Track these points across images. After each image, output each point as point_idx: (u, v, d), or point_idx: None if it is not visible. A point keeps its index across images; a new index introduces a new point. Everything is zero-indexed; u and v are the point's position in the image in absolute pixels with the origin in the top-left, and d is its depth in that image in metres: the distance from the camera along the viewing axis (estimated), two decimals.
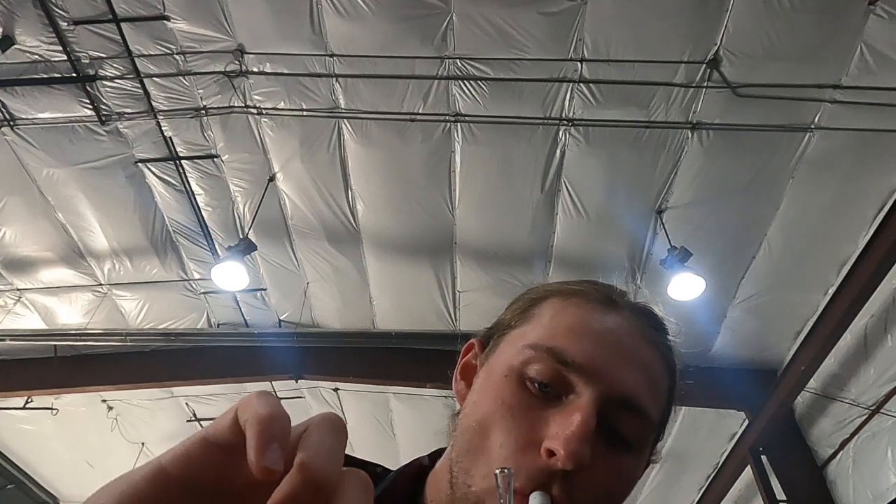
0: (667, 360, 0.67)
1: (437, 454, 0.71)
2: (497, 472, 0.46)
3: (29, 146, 5.39)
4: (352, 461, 0.70)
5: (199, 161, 5.55)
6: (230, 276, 5.24)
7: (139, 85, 5.05)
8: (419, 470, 0.70)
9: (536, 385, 0.59)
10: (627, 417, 0.59)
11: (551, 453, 0.54)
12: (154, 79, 5.04)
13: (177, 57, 4.90)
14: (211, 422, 0.37)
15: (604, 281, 0.75)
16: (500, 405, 0.59)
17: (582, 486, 0.55)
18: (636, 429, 0.60)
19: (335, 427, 0.36)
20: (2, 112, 5.17)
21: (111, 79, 5.03)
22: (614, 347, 0.62)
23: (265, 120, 5.23)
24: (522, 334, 0.65)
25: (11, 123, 5.23)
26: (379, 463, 0.72)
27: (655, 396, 0.63)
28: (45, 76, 5.00)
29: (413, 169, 5.40)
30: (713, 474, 7.44)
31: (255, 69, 4.97)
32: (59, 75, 4.98)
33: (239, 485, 0.37)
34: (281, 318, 6.81)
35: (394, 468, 0.72)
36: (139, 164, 5.57)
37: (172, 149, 5.48)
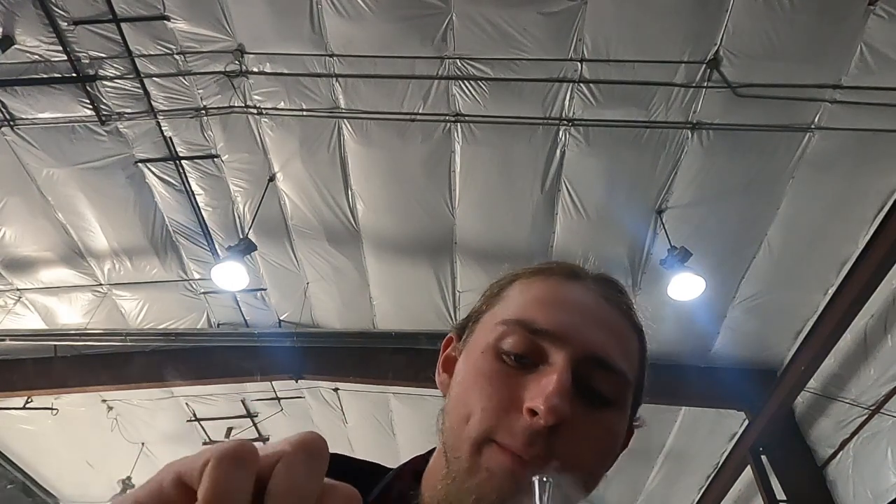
0: (632, 321, 0.70)
1: (433, 452, 0.72)
2: (535, 479, 0.47)
3: (29, 146, 5.39)
4: (351, 462, 0.70)
5: (199, 161, 5.55)
6: (230, 276, 5.24)
7: (139, 85, 5.05)
8: (416, 467, 0.71)
9: (512, 357, 0.61)
10: (602, 375, 0.61)
11: (533, 413, 0.56)
12: (154, 79, 5.04)
13: (177, 57, 4.90)
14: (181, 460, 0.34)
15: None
16: (480, 376, 0.62)
17: (567, 443, 0.57)
18: (612, 385, 0.62)
19: (309, 452, 0.34)
20: (2, 112, 5.17)
21: (111, 79, 5.03)
22: (580, 312, 0.65)
23: (265, 120, 5.23)
24: (494, 315, 0.68)
25: (11, 123, 5.23)
26: (379, 463, 0.73)
27: (626, 354, 0.65)
28: (45, 76, 5.00)
29: (413, 169, 5.40)
30: (713, 474, 7.43)
31: (255, 69, 4.97)
32: (59, 75, 4.98)
33: None
34: (281, 318, 6.81)
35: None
36: (139, 164, 5.57)
37: (172, 149, 5.48)
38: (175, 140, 5.42)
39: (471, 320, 0.72)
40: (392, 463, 0.74)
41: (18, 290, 6.55)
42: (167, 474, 0.33)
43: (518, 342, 0.62)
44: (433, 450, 0.72)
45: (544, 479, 0.47)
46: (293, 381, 6.91)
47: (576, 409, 0.57)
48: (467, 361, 0.66)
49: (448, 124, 5.10)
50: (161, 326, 6.80)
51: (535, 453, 0.55)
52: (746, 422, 6.47)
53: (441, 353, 0.75)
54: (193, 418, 8.03)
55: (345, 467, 0.70)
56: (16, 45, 4.81)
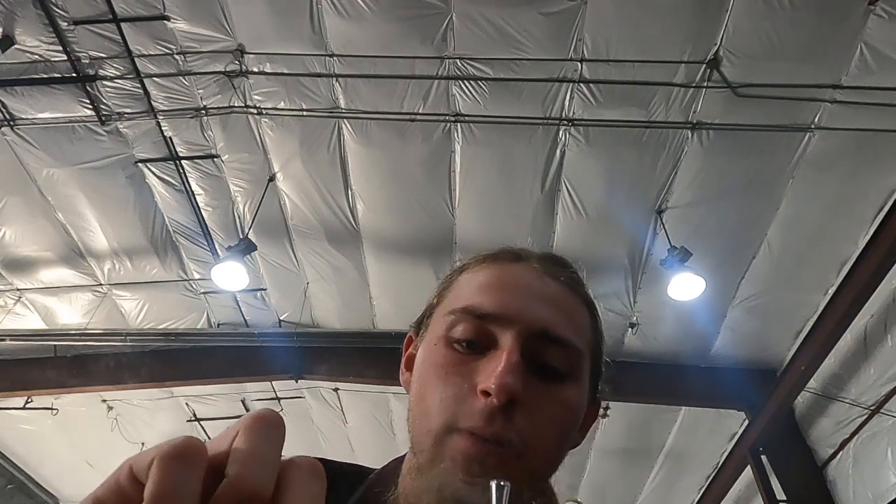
0: (579, 294, 0.71)
1: None
2: (493, 483, 0.47)
3: (29, 146, 5.38)
4: (335, 465, 0.71)
5: (199, 161, 5.55)
6: (230, 276, 5.24)
7: (139, 85, 5.05)
8: (397, 466, 0.71)
9: (463, 344, 0.63)
10: (552, 349, 0.63)
11: (487, 394, 0.57)
12: (154, 79, 5.04)
13: (177, 57, 4.90)
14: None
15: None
16: (434, 367, 0.63)
17: (524, 418, 0.58)
18: (563, 357, 0.63)
19: (266, 425, 0.34)
20: (2, 112, 5.16)
21: (111, 79, 5.03)
22: (524, 291, 0.66)
23: (265, 120, 5.23)
24: (444, 307, 0.70)
25: (11, 123, 5.23)
26: (364, 465, 0.74)
27: (575, 326, 0.66)
28: (45, 76, 4.99)
29: (413, 169, 5.40)
30: (713, 474, 7.44)
31: (255, 69, 4.97)
32: (59, 75, 4.98)
33: None
34: (281, 318, 6.81)
35: None
36: (139, 164, 5.57)
37: (172, 149, 5.48)
38: (175, 140, 5.42)
39: (425, 316, 0.74)
40: None
41: (18, 290, 6.54)
42: (123, 469, 0.33)
43: (467, 329, 0.63)
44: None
45: (501, 483, 0.48)
46: (293, 381, 6.91)
47: (530, 385, 0.59)
48: (422, 356, 0.67)
49: (448, 124, 5.10)
50: (161, 326, 6.80)
51: (494, 431, 0.56)
52: (746, 422, 6.47)
53: (403, 353, 0.77)
54: (193, 418, 8.04)
55: (328, 470, 0.71)
56: (16, 45, 4.80)
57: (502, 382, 0.56)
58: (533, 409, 0.59)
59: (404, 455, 0.72)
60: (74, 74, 4.94)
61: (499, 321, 0.62)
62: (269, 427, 0.34)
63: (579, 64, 4.67)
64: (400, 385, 0.74)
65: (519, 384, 0.57)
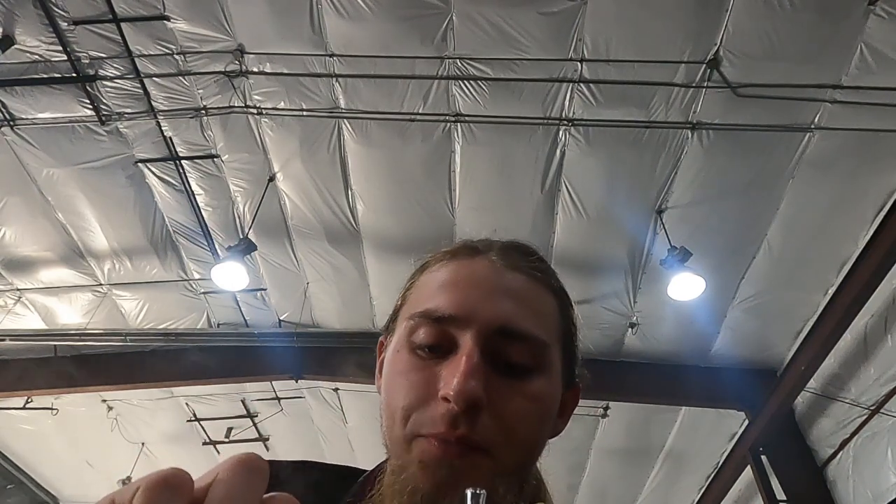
0: (541, 282, 0.69)
1: None
2: (468, 491, 0.48)
3: (29, 146, 5.39)
4: (325, 468, 0.71)
5: (199, 161, 5.55)
6: (230, 276, 5.24)
7: (139, 85, 5.05)
8: (382, 467, 0.70)
9: (426, 349, 0.62)
10: (513, 345, 0.61)
11: (447, 399, 0.57)
12: (154, 79, 5.04)
13: (177, 57, 4.90)
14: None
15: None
16: (398, 375, 0.63)
17: (491, 418, 0.57)
18: (527, 352, 0.62)
19: (247, 467, 0.35)
20: (2, 112, 5.17)
21: (111, 79, 5.03)
22: (481, 288, 0.64)
23: (265, 120, 5.23)
24: (406, 310, 0.68)
25: (11, 123, 5.23)
26: (355, 467, 0.74)
27: (537, 317, 0.64)
28: (45, 76, 4.99)
29: (413, 169, 5.40)
30: (713, 474, 7.44)
31: (255, 69, 4.97)
32: (59, 75, 4.98)
33: None
34: (281, 318, 6.81)
35: None
36: (139, 164, 5.57)
37: (172, 149, 5.48)
38: (175, 140, 5.42)
39: (392, 319, 0.73)
40: None
41: (18, 290, 6.55)
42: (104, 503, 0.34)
43: (427, 333, 0.62)
44: None
45: (477, 490, 0.48)
46: (293, 381, 6.91)
47: (493, 384, 0.58)
48: (388, 362, 0.67)
49: (448, 124, 5.10)
50: (161, 326, 6.80)
51: (460, 434, 0.56)
52: (746, 422, 6.47)
53: (377, 357, 0.76)
54: (193, 418, 8.03)
55: (317, 473, 0.71)
56: (16, 45, 4.80)
57: (461, 389, 0.55)
58: (499, 408, 0.58)
59: (383, 463, 0.71)
60: (74, 74, 4.94)
61: (457, 322, 0.61)
62: (251, 472, 0.35)
63: (579, 64, 4.67)
64: None
65: (479, 388, 0.56)
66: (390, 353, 0.67)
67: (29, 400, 7.59)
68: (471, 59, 4.75)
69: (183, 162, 5.55)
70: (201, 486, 0.34)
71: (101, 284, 6.51)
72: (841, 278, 5.33)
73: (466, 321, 0.61)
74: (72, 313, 6.77)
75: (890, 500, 5.12)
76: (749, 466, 6.42)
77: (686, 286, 5.05)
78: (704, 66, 4.56)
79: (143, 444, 8.39)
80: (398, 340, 0.66)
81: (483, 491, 0.49)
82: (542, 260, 0.72)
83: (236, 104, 5.15)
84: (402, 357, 0.63)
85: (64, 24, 4.72)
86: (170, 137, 5.40)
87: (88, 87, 5.04)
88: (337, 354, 6.64)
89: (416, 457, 0.57)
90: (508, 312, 0.62)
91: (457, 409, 0.56)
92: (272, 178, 5.57)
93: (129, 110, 5.22)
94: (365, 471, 0.74)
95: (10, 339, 6.53)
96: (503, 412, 0.58)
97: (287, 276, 6.38)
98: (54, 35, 4.74)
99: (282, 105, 5.13)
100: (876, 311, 5.23)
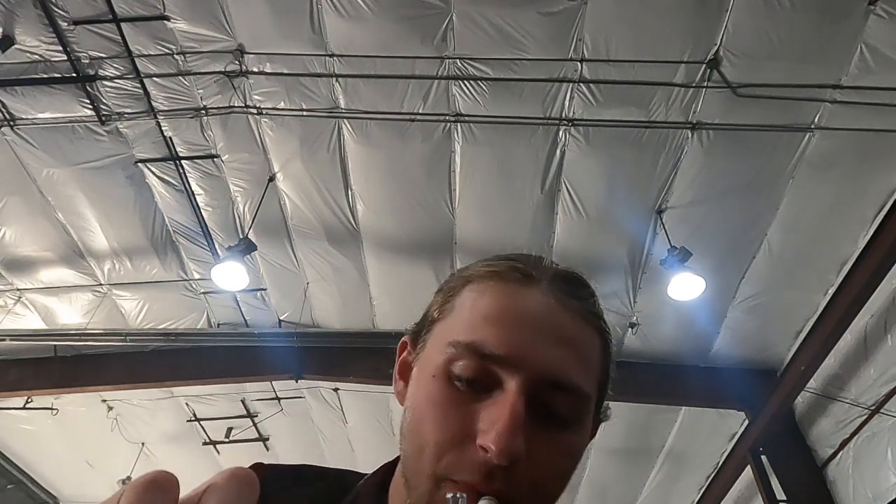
0: (593, 325, 0.65)
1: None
2: (449, 496, 0.47)
3: (29, 146, 5.39)
4: (319, 471, 0.71)
5: (199, 161, 5.55)
6: (230, 276, 5.24)
7: (139, 85, 5.05)
8: (382, 478, 0.70)
9: (465, 382, 0.59)
10: (559, 396, 0.59)
11: (486, 450, 0.54)
12: (154, 79, 5.04)
13: (177, 57, 4.90)
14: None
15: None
16: (432, 405, 0.59)
17: (525, 471, 0.55)
18: (570, 406, 0.59)
19: (239, 480, 0.36)
20: (2, 112, 5.17)
21: (111, 79, 5.03)
22: (533, 329, 0.60)
23: (265, 120, 5.23)
24: (445, 328, 0.64)
25: (11, 123, 5.23)
26: (350, 469, 0.73)
27: (586, 367, 0.62)
28: (45, 76, 4.99)
29: (413, 169, 5.40)
30: (713, 474, 7.44)
31: (255, 69, 4.97)
32: (59, 75, 4.98)
33: None
34: (281, 318, 6.81)
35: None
36: (139, 164, 5.57)
37: (172, 149, 5.48)
38: (175, 140, 5.42)
39: (423, 327, 0.69)
40: None
41: (18, 290, 6.55)
42: None
43: (469, 367, 0.58)
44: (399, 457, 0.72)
45: (457, 494, 0.48)
46: (293, 381, 6.91)
47: (532, 435, 0.56)
48: (419, 382, 0.63)
49: (448, 124, 5.10)
50: (161, 326, 6.80)
51: (496, 487, 0.54)
52: (746, 422, 6.47)
53: (397, 357, 0.73)
54: (193, 418, 8.03)
55: (314, 477, 0.70)
56: (16, 45, 4.81)
57: (503, 447, 0.53)
58: (535, 462, 0.56)
59: (392, 462, 0.70)
60: (74, 74, 4.94)
61: (504, 364, 0.58)
62: (242, 485, 0.36)
63: (579, 64, 4.67)
64: None
65: (521, 444, 0.54)
66: (423, 372, 0.63)
67: (29, 400, 7.59)
68: (471, 59, 4.75)
69: (183, 162, 5.55)
70: (194, 495, 0.35)
71: (101, 284, 6.51)
72: (841, 278, 5.33)
73: (515, 365, 0.57)
74: (72, 313, 6.77)
75: (890, 500, 5.12)
76: (749, 466, 6.42)
77: (686, 286, 5.05)
78: (704, 66, 4.56)
79: (143, 444, 8.39)
80: (434, 365, 0.61)
81: (463, 495, 0.49)
82: (594, 295, 0.68)
83: (236, 104, 5.15)
84: (439, 386, 0.60)
85: (64, 24, 4.72)
86: (170, 137, 5.40)
87: (88, 87, 5.04)
88: (337, 354, 6.64)
89: (437, 492, 0.56)
90: (560, 362, 0.59)
91: (496, 462, 0.53)
92: (272, 178, 5.57)
93: (129, 110, 5.22)
94: (361, 474, 0.73)
95: (10, 339, 6.53)
96: (539, 466, 0.56)
97: (287, 276, 6.38)
98: (54, 35, 4.74)
99: (282, 105, 5.13)
100: (876, 311, 5.23)
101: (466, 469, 0.55)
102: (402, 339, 0.73)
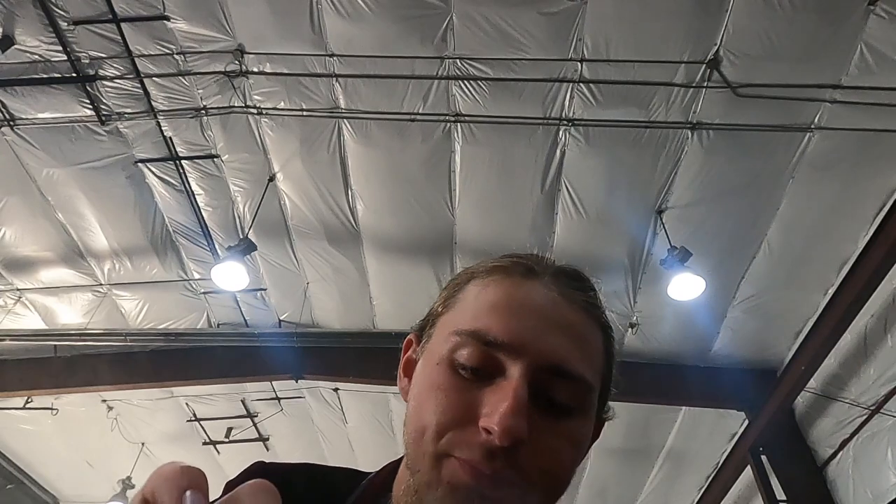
0: (594, 318, 0.66)
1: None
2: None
3: (29, 146, 5.39)
4: (325, 470, 0.70)
5: (199, 161, 5.55)
6: (230, 276, 5.24)
7: (139, 85, 5.05)
8: (387, 476, 0.70)
9: (468, 370, 0.59)
10: (562, 384, 0.59)
11: (488, 431, 0.54)
12: (154, 79, 5.04)
13: (177, 57, 4.90)
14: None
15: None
16: (435, 390, 0.59)
17: (528, 457, 0.55)
18: (573, 393, 0.60)
19: (265, 490, 0.40)
20: (2, 112, 5.17)
21: (111, 79, 5.03)
22: (537, 317, 0.61)
23: (265, 120, 5.23)
24: (449, 320, 0.65)
25: (11, 123, 5.23)
26: (356, 469, 0.73)
27: (587, 357, 0.62)
28: (45, 76, 4.99)
29: (413, 169, 5.40)
30: (713, 474, 7.44)
31: (255, 69, 4.97)
32: (59, 75, 4.98)
33: None
34: (281, 318, 6.81)
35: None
36: (139, 164, 5.57)
37: (172, 149, 5.48)
38: (175, 140, 5.42)
39: (428, 323, 0.69)
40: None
41: (18, 290, 6.55)
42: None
43: (473, 354, 0.59)
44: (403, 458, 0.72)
45: None
46: (293, 381, 6.91)
47: (535, 421, 0.56)
48: (423, 372, 0.64)
49: (448, 124, 5.10)
50: (161, 326, 6.80)
51: (496, 467, 0.54)
52: (746, 422, 6.47)
53: (402, 355, 0.73)
54: (193, 418, 8.03)
55: (318, 476, 0.70)
56: (16, 45, 4.80)
57: (507, 426, 0.53)
58: (538, 448, 0.56)
59: (398, 461, 0.70)
60: (74, 74, 4.94)
61: (507, 350, 0.58)
62: (267, 495, 0.40)
63: (579, 64, 4.67)
64: None
65: (524, 426, 0.54)
66: (427, 363, 0.64)
67: (29, 400, 7.59)
68: (471, 59, 4.75)
69: (183, 162, 5.55)
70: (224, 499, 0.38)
71: (101, 284, 6.51)
72: (841, 278, 5.33)
73: (518, 351, 0.58)
74: (72, 313, 6.77)
75: (890, 500, 5.12)
76: (749, 466, 6.42)
77: (686, 286, 5.05)
78: (704, 66, 4.56)
79: (143, 444, 8.38)
80: (438, 354, 0.62)
81: None
82: (595, 290, 0.69)
83: (236, 104, 5.15)
84: (442, 372, 0.60)
85: (64, 24, 4.72)
86: (170, 137, 5.40)
87: (88, 87, 5.04)
88: (337, 354, 6.64)
89: (446, 478, 0.55)
90: (563, 350, 0.60)
91: (498, 443, 0.53)
92: (272, 178, 5.57)
93: (129, 110, 5.22)
94: (366, 473, 0.73)
95: (10, 339, 6.53)
96: (541, 452, 0.56)
97: (287, 276, 6.38)
98: (54, 35, 4.74)
99: (282, 105, 5.13)
100: (876, 311, 5.23)
101: (467, 447, 0.55)
102: (408, 336, 0.74)
